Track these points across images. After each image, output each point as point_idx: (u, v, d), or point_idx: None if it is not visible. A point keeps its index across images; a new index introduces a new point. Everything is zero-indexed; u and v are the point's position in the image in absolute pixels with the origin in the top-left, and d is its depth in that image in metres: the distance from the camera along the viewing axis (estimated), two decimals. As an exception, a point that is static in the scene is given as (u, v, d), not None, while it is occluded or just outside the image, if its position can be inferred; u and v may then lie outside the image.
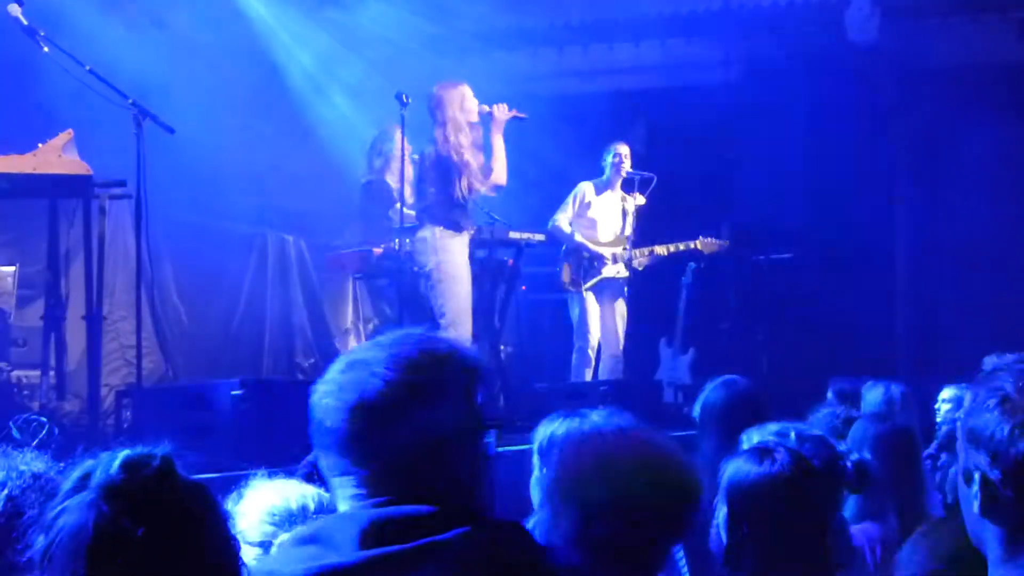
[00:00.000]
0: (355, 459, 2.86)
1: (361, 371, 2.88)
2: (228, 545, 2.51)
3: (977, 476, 2.76)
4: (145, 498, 2.39)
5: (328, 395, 2.90)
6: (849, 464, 4.20)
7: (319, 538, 2.76)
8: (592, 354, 12.43)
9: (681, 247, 12.85)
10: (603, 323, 12.66)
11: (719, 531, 4.01)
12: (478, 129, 10.82)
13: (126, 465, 2.43)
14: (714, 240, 12.96)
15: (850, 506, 5.31)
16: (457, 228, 10.68)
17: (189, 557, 2.42)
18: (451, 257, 10.62)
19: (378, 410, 2.85)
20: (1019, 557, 2.73)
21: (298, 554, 2.75)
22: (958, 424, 2.84)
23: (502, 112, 10.87)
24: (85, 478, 2.45)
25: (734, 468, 3.93)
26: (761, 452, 3.92)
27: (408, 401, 2.86)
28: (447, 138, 10.59)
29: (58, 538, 2.38)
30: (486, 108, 10.81)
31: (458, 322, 10.50)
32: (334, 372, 2.96)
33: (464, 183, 10.62)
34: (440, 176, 10.64)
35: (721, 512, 3.96)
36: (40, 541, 2.41)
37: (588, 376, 12.34)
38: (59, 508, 2.42)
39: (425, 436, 2.87)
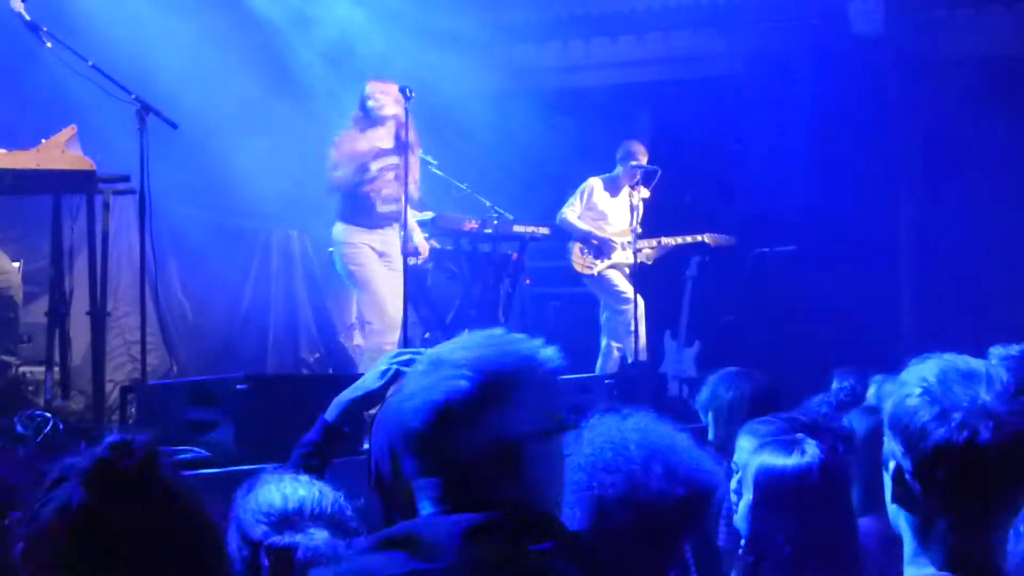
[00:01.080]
0: (438, 462, 2.85)
1: (446, 372, 2.86)
2: (210, 532, 2.51)
3: (892, 464, 2.77)
4: (127, 479, 2.40)
5: (412, 396, 2.88)
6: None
7: (407, 543, 2.72)
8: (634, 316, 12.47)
9: (688, 240, 12.88)
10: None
11: (740, 523, 4.02)
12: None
13: (110, 447, 2.44)
14: (721, 236, 12.99)
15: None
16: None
17: (172, 539, 2.43)
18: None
19: (463, 413, 2.82)
20: (931, 550, 2.74)
21: (383, 560, 2.71)
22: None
23: None
24: (68, 470, 2.46)
25: (761, 460, 3.94)
26: (789, 444, 3.93)
27: (493, 404, 2.84)
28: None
29: (44, 521, 2.39)
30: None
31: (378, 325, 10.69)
32: (417, 372, 2.94)
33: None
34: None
35: (744, 503, 3.97)
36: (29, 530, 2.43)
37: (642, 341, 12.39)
38: (42, 500, 2.44)
39: (508, 439, 2.85)
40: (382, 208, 10.72)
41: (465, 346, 2.94)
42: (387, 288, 10.64)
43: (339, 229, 10.79)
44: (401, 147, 10.56)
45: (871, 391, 8.13)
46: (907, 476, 2.73)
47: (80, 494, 2.41)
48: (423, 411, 2.83)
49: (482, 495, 2.80)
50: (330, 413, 4.42)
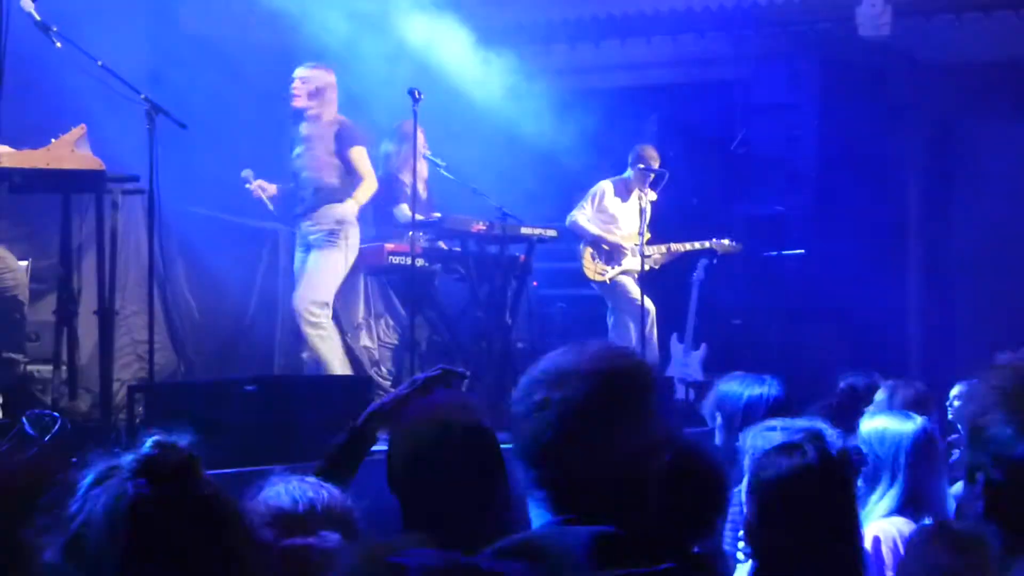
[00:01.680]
0: (562, 474, 2.83)
1: (576, 384, 2.84)
2: (249, 526, 2.53)
3: (980, 476, 2.74)
4: (176, 474, 2.42)
5: (532, 406, 2.87)
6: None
7: (530, 554, 2.71)
8: (652, 325, 12.49)
9: (696, 246, 12.90)
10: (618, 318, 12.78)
11: (743, 525, 4.04)
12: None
13: (157, 444, 2.46)
14: (728, 242, 13.01)
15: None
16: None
17: (217, 531, 2.45)
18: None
19: (597, 426, 2.81)
20: (1016, 563, 2.71)
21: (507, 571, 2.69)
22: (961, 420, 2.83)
23: None
24: (111, 470, 2.48)
25: (763, 463, 3.95)
26: (790, 447, 3.95)
27: (624, 417, 2.83)
28: None
29: (90, 521, 2.40)
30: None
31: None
32: (533, 381, 2.92)
33: None
34: None
35: (748, 506, 3.98)
36: (67, 530, 2.44)
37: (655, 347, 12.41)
38: (84, 498, 2.45)
39: (623, 451, 2.84)
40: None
41: (591, 357, 2.91)
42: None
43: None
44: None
45: (879, 395, 8.13)
46: (999, 487, 2.71)
47: (134, 486, 2.42)
48: (556, 424, 2.81)
49: (600, 508, 2.79)
50: (361, 418, 4.42)
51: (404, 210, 12.10)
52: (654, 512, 2.88)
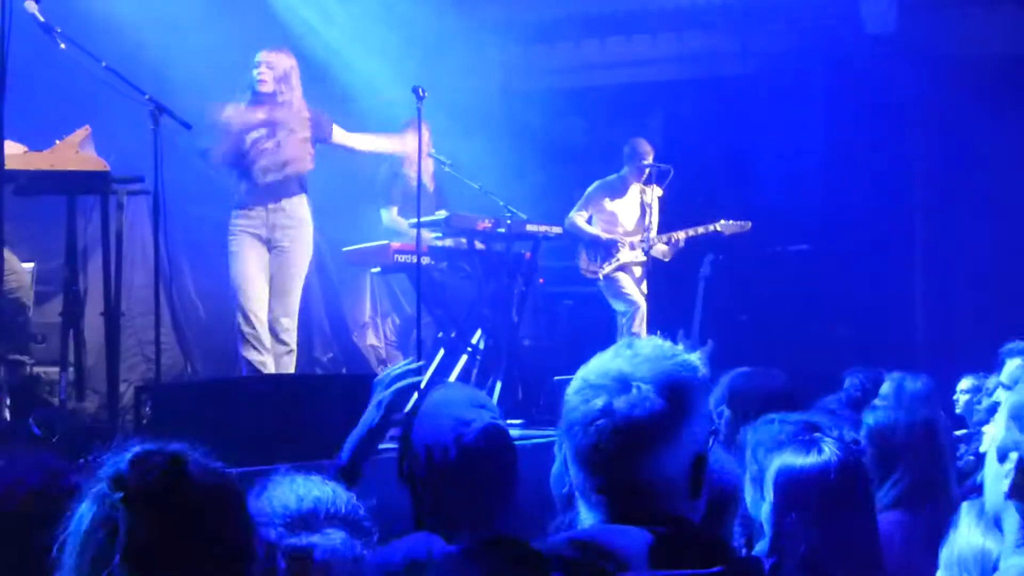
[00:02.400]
0: (618, 476, 2.82)
1: (639, 390, 2.82)
2: (236, 544, 2.52)
3: (1015, 456, 2.72)
4: (146, 495, 2.42)
5: (591, 414, 2.83)
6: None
7: (593, 549, 2.70)
8: (640, 323, 12.44)
9: (701, 230, 12.86)
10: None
11: (746, 516, 4.04)
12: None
13: (133, 461, 2.46)
14: (735, 222, 12.95)
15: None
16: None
17: (193, 550, 2.44)
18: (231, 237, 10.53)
19: (658, 431, 2.80)
20: None
21: None
22: (1002, 401, 2.81)
23: None
24: (97, 480, 2.48)
25: (780, 460, 3.95)
26: (807, 443, 3.94)
27: (683, 420, 2.83)
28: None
29: (70, 528, 2.42)
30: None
31: (240, 298, 10.42)
32: (589, 383, 2.88)
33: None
34: None
35: (765, 503, 3.98)
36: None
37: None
38: (83, 497, 2.46)
39: (689, 454, 2.85)
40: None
41: (647, 359, 2.88)
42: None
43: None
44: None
45: (885, 387, 8.13)
46: None
47: (99, 505, 2.43)
48: (611, 429, 2.79)
49: (651, 509, 2.79)
50: (344, 455, 4.42)
51: (392, 214, 12.08)
52: (699, 511, 2.89)
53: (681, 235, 12.83)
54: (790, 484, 3.92)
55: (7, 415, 7.79)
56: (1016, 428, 2.75)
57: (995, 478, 2.80)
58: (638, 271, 12.80)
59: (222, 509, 2.53)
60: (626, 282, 12.76)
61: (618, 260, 12.77)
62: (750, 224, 13.02)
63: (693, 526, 2.84)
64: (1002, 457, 2.77)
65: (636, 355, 2.89)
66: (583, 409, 2.83)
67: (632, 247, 12.70)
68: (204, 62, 11.26)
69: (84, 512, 2.45)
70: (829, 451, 3.92)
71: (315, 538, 3.42)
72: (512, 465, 3.97)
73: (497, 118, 13.50)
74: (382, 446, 4.58)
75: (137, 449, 2.51)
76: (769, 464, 4.01)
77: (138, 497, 2.41)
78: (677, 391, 2.83)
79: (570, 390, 2.89)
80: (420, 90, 10.24)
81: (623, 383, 2.82)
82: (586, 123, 14.20)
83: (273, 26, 12.66)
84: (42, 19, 8.21)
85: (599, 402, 2.81)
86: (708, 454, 2.91)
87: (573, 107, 14.38)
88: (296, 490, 3.53)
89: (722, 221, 12.90)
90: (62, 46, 8.30)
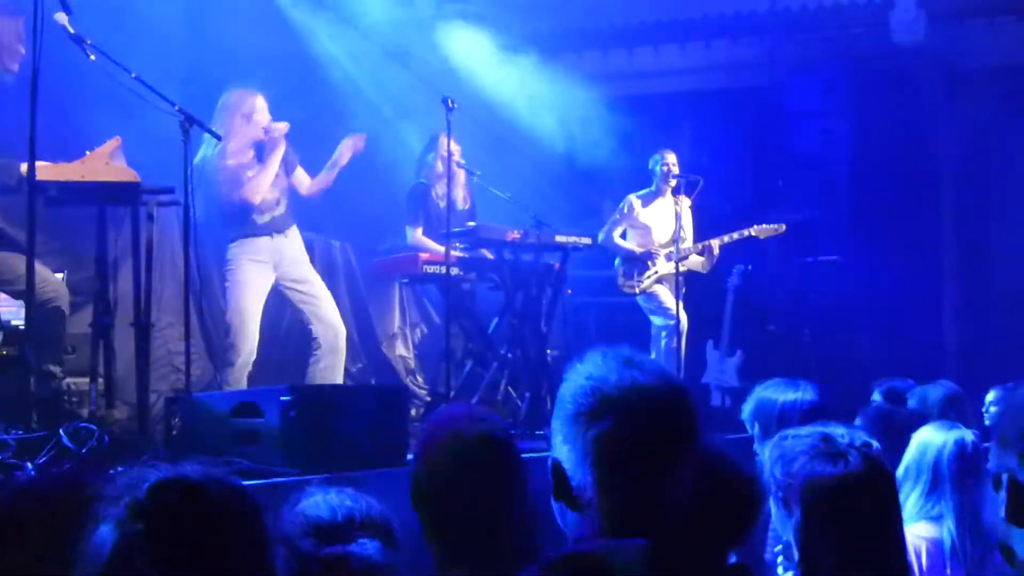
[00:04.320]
0: (633, 491, 2.80)
1: (606, 413, 2.80)
2: (254, 566, 2.52)
3: (1005, 478, 2.71)
4: (165, 525, 2.41)
5: (576, 430, 2.82)
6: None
7: (587, 569, 2.69)
8: (678, 339, 12.38)
9: (736, 236, 12.80)
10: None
11: (786, 535, 4.01)
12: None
13: (152, 490, 2.45)
14: (769, 225, 12.89)
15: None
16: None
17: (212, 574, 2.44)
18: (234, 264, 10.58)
19: (675, 442, 2.81)
20: None
21: None
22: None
23: (276, 131, 10.64)
24: (130, 490, 2.48)
25: (807, 472, 3.93)
26: (833, 454, 3.92)
27: (693, 431, 2.85)
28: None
29: (89, 549, 2.42)
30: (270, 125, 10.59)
31: (239, 331, 10.47)
32: (574, 401, 2.87)
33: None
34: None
35: (775, 511, 3.96)
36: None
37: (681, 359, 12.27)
38: (102, 519, 2.46)
39: (672, 480, 2.85)
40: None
41: (653, 371, 2.88)
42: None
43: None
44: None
45: (911, 401, 8.11)
46: None
47: (118, 534, 2.43)
48: (644, 442, 2.79)
49: (654, 521, 2.78)
50: None
51: (417, 234, 12.06)
52: (689, 523, 2.87)
53: (715, 242, 12.76)
54: (817, 496, 3.90)
55: (36, 426, 7.79)
56: (1003, 450, 2.73)
57: (995, 506, 2.78)
58: (674, 282, 12.74)
59: (241, 532, 2.53)
60: (665, 296, 12.70)
61: (655, 273, 12.73)
62: (784, 227, 12.94)
63: (688, 539, 2.82)
64: (996, 483, 2.76)
65: (642, 369, 2.87)
66: (613, 428, 2.79)
67: (668, 258, 12.65)
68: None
69: (104, 539, 2.45)
70: (854, 462, 3.90)
71: (351, 547, 3.42)
72: (510, 482, 3.91)
73: (524, 129, 13.49)
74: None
75: (155, 477, 2.51)
76: (790, 479, 3.99)
77: (157, 527, 2.42)
78: (692, 404, 2.85)
79: (582, 405, 2.84)
80: (450, 101, 10.24)
81: (651, 401, 2.80)
82: (614, 133, 14.18)
83: (302, 39, 12.72)
84: (72, 31, 8.22)
85: (634, 421, 2.78)
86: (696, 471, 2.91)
87: (601, 117, 14.36)
88: (329, 501, 3.53)
89: (755, 226, 12.84)
90: (92, 57, 8.30)
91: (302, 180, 10.82)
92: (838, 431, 4.09)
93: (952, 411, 7.82)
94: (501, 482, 3.87)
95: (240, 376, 10.30)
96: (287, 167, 10.69)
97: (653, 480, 2.78)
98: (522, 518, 3.84)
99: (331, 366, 10.65)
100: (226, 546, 2.47)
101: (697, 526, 3.01)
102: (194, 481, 2.50)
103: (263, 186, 10.43)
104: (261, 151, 10.47)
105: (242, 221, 10.46)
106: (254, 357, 10.40)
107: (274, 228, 10.56)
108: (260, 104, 10.54)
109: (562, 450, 2.86)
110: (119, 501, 2.47)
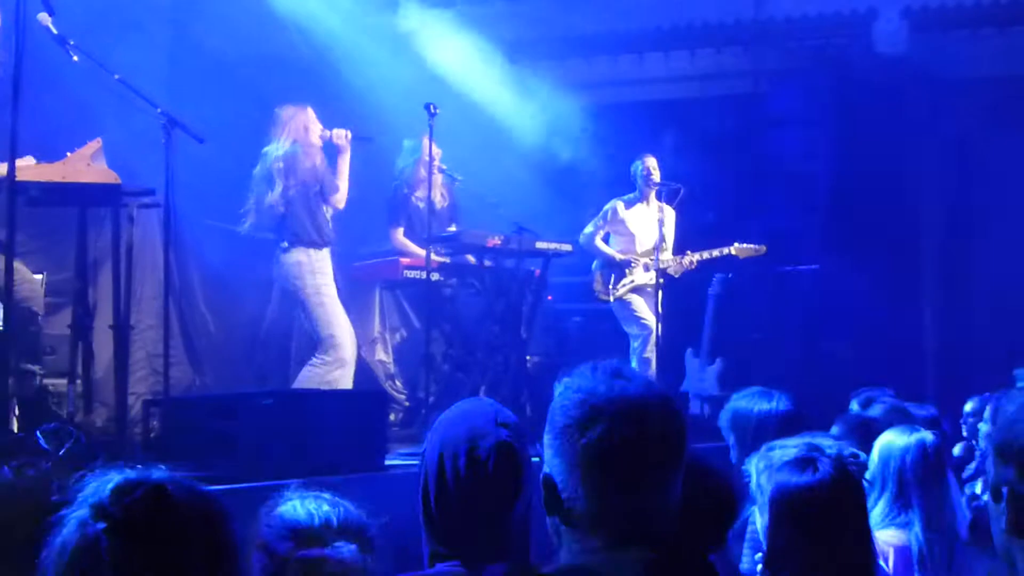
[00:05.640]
0: (629, 501, 2.80)
1: (644, 410, 2.82)
2: (221, 569, 2.51)
3: (1005, 491, 2.70)
4: (128, 525, 2.41)
5: (567, 441, 2.83)
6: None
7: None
8: (652, 348, 12.37)
9: (715, 253, 12.82)
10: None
11: (756, 541, 4.03)
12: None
13: (115, 490, 2.44)
14: (750, 245, 12.90)
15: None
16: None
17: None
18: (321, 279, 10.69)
19: (670, 452, 2.83)
20: None
21: None
22: (985, 439, 2.79)
23: (340, 138, 10.71)
24: (94, 492, 2.48)
25: (776, 478, 3.95)
26: (803, 461, 3.95)
27: (684, 441, 2.87)
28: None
29: (51, 550, 2.42)
30: (327, 133, 10.67)
31: (341, 346, 10.54)
32: (600, 408, 2.85)
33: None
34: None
35: (761, 521, 3.98)
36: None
37: (652, 368, 12.26)
38: (65, 520, 2.46)
39: (681, 475, 2.89)
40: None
41: (642, 382, 2.89)
42: None
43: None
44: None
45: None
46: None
47: (79, 534, 2.42)
48: (641, 453, 2.79)
49: (649, 530, 2.79)
50: None
51: (399, 235, 12.06)
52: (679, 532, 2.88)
53: (695, 257, 12.77)
54: (785, 501, 3.92)
55: (15, 427, 7.77)
56: (1002, 463, 2.72)
57: (996, 517, 2.76)
58: (652, 291, 12.72)
59: (206, 536, 2.52)
60: (639, 305, 12.69)
61: (632, 281, 12.72)
62: (765, 248, 12.96)
63: (682, 548, 2.82)
64: (996, 495, 2.74)
65: (631, 380, 2.88)
66: (602, 438, 2.78)
67: (646, 268, 12.63)
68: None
69: (67, 539, 2.44)
70: (824, 468, 3.92)
71: (326, 551, 3.41)
72: (516, 490, 3.90)
73: (507, 135, 13.50)
74: (392, 461, 4.57)
75: (119, 478, 2.50)
76: (768, 487, 4.01)
77: (120, 527, 2.41)
78: (680, 414, 2.86)
79: (572, 417, 2.85)
80: (432, 107, 10.25)
81: (640, 410, 2.80)
82: (597, 141, 14.19)
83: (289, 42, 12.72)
84: (55, 31, 8.21)
85: (624, 431, 2.78)
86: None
87: (584, 125, 14.36)
88: (307, 506, 3.52)
89: (736, 244, 12.85)
90: (75, 58, 8.30)
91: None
92: (825, 442, 4.10)
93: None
94: (507, 487, 3.86)
95: (346, 375, 10.48)
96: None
97: (643, 489, 2.78)
98: (521, 523, 3.84)
99: (346, 375, 10.66)
100: (188, 549, 2.47)
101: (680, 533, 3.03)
102: (157, 483, 2.50)
103: (344, 193, 10.68)
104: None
105: (321, 228, 10.54)
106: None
107: (331, 239, 10.67)
108: (311, 116, 10.61)
109: (553, 463, 2.87)
110: (84, 503, 2.47)
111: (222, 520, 2.58)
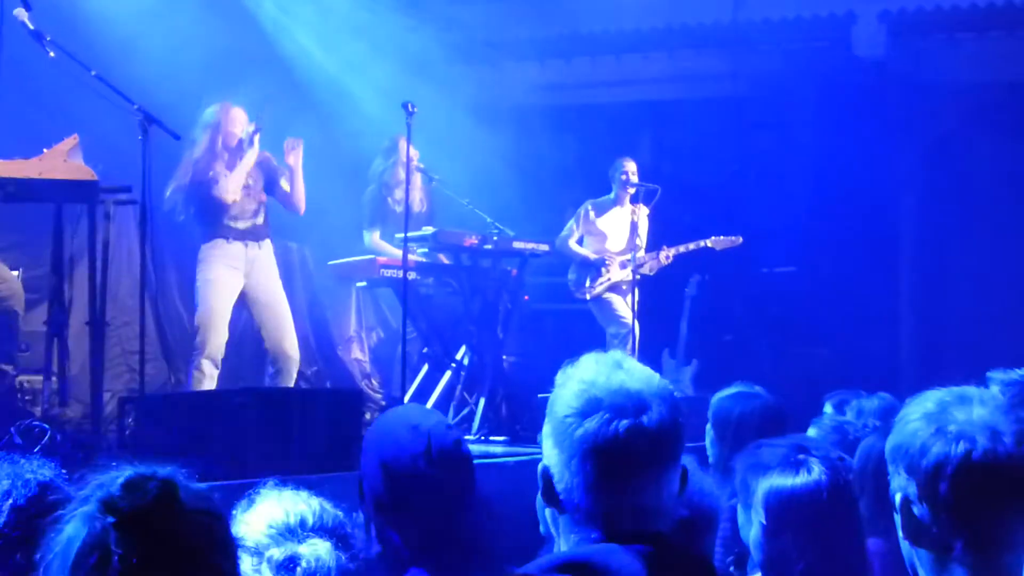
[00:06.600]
0: (623, 496, 2.79)
1: (643, 406, 2.81)
2: (222, 568, 2.50)
3: (898, 497, 2.72)
4: (139, 520, 2.39)
5: (614, 428, 2.78)
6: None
7: (588, 571, 2.70)
8: (630, 347, 12.36)
9: (692, 246, 12.85)
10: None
11: (752, 546, 4.02)
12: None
13: (127, 484, 2.43)
14: (726, 237, 12.93)
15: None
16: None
17: (183, 574, 2.41)
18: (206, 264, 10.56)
19: (666, 448, 2.82)
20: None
21: None
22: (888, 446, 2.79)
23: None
24: (84, 500, 2.46)
25: (769, 482, 3.94)
26: (796, 464, 3.94)
27: (680, 438, 2.87)
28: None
29: (55, 547, 2.39)
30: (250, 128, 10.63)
31: (207, 329, 10.46)
32: (599, 401, 2.83)
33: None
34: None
35: (755, 526, 3.97)
36: (46, 548, 2.43)
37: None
38: (67, 517, 2.43)
39: (678, 472, 2.89)
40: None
41: (643, 378, 2.88)
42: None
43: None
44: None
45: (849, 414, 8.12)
46: (913, 504, 2.69)
47: (89, 528, 2.40)
48: (637, 448, 2.77)
49: (642, 526, 2.78)
50: None
51: (374, 237, 12.03)
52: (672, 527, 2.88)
53: (672, 251, 12.81)
54: (781, 506, 3.91)
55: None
56: (894, 470, 2.74)
57: (898, 525, 2.79)
58: (627, 290, 12.74)
59: (210, 534, 2.51)
60: (618, 304, 12.73)
61: (608, 280, 12.74)
62: (741, 239, 13.01)
63: (676, 543, 2.82)
64: (893, 503, 2.76)
65: (631, 372, 2.88)
66: (600, 428, 2.77)
67: (623, 265, 12.67)
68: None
69: (73, 534, 2.42)
70: (818, 471, 3.91)
71: (301, 548, 3.40)
72: (471, 481, 3.89)
73: (485, 136, 13.48)
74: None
75: (129, 472, 2.49)
76: (756, 487, 4.00)
77: (131, 522, 2.39)
78: (678, 408, 2.84)
79: (571, 407, 2.82)
80: (410, 105, 10.22)
81: (639, 402, 2.80)
82: (575, 142, 14.19)
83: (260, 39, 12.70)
84: (32, 27, 8.18)
85: (623, 422, 2.77)
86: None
87: (563, 125, 14.37)
88: (283, 503, 3.51)
89: (713, 237, 12.90)
90: (51, 54, 8.27)
91: (286, 192, 10.76)
92: (810, 441, 4.10)
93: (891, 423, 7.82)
94: (463, 480, 3.84)
95: (204, 377, 10.23)
96: (268, 182, 10.68)
97: (641, 481, 2.78)
98: (474, 521, 3.82)
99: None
100: (196, 544, 2.46)
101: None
102: (168, 479, 2.48)
103: (232, 185, 10.38)
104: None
105: (216, 222, 10.42)
106: (222, 356, 10.36)
107: (251, 236, 10.53)
108: (235, 114, 10.54)
109: (551, 454, 2.85)
110: (89, 499, 2.45)
111: (223, 516, 2.57)
